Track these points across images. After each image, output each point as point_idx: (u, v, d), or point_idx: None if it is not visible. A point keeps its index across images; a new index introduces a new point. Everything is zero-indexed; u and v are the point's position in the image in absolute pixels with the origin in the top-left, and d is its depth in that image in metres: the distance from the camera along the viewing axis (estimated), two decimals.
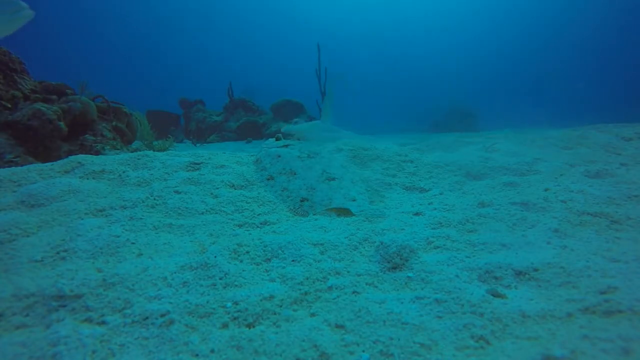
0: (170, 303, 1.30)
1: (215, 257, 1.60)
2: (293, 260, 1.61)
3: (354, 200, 2.29)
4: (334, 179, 2.50)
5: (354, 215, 2.16)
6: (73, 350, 1.08)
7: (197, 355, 1.07)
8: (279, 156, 2.78)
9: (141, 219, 2.00)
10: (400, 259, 1.57)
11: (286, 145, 3.00)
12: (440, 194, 2.65)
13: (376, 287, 1.42)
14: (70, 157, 2.73)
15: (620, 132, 4.11)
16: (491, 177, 2.90)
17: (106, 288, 1.38)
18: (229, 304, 1.30)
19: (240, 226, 2.05)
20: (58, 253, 1.63)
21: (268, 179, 2.59)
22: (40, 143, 4.04)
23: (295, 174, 2.56)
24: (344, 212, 2.20)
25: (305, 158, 2.72)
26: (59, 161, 2.65)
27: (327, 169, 2.60)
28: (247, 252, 1.69)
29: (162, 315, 1.23)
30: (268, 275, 1.52)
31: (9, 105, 4.10)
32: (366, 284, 1.44)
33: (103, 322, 1.21)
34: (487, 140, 4.47)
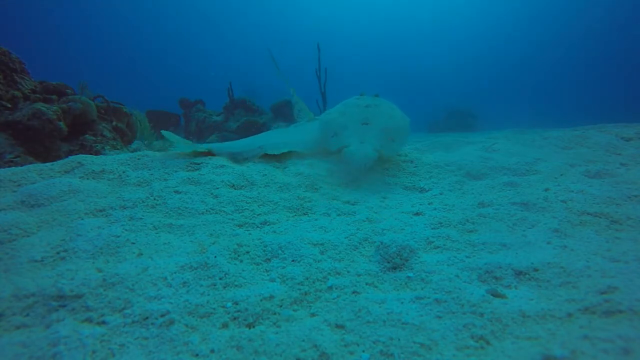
0: (170, 303, 1.30)
1: (215, 257, 1.60)
2: (293, 260, 1.61)
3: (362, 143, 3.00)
4: (368, 124, 3.24)
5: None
6: (73, 350, 1.08)
7: (197, 355, 1.07)
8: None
9: (141, 219, 2.00)
10: (400, 259, 1.57)
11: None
12: (440, 194, 2.65)
13: (376, 287, 1.42)
14: (70, 157, 2.73)
15: (620, 132, 4.11)
16: (491, 177, 2.90)
17: (106, 288, 1.38)
18: (229, 304, 1.30)
19: (240, 226, 2.04)
20: (58, 253, 1.63)
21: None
22: (40, 143, 4.04)
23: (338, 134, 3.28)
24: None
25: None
26: (59, 161, 2.66)
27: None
28: (247, 252, 1.69)
29: (162, 315, 1.23)
30: (268, 275, 1.52)
31: (9, 105, 4.10)
32: (366, 284, 1.44)
33: (103, 322, 1.21)
34: (487, 140, 4.48)
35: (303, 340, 1.10)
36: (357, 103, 3.49)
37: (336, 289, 1.40)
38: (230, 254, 1.66)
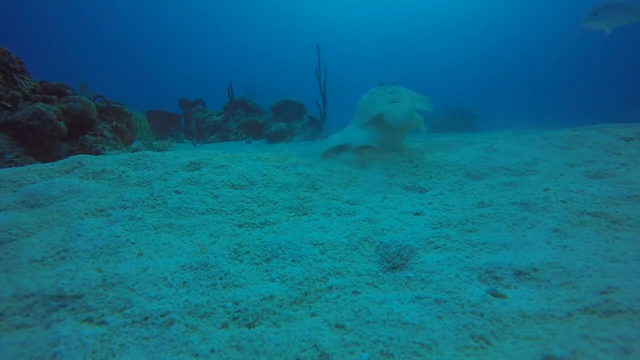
0: (170, 303, 1.30)
1: (215, 257, 1.60)
2: (293, 260, 1.61)
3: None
4: (396, 102, 3.75)
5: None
6: (73, 350, 1.08)
7: (197, 355, 1.07)
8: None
9: (141, 219, 2.00)
10: (400, 259, 1.57)
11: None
12: (440, 194, 2.65)
13: (376, 287, 1.42)
14: (70, 157, 2.73)
15: (620, 132, 4.11)
16: (491, 177, 2.90)
17: (106, 288, 1.38)
18: (229, 304, 1.30)
19: (240, 226, 2.04)
20: (58, 253, 1.63)
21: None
22: (40, 143, 4.04)
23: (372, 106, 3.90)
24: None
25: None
26: (59, 161, 2.66)
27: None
28: (247, 252, 1.69)
29: (162, 315, 1.23)
30: (268, 275, 1.52)
31: (9, 105, 4.10)
32: (366, 284, 1.44)
33: (103, 322, 1.21)
34: (487, 140, 4.47)
35: (303, 340, 1.10)
36: (381, 92, 3.96)
37: (336, 289, 1.40)
38: (230, 254, 1.66)
